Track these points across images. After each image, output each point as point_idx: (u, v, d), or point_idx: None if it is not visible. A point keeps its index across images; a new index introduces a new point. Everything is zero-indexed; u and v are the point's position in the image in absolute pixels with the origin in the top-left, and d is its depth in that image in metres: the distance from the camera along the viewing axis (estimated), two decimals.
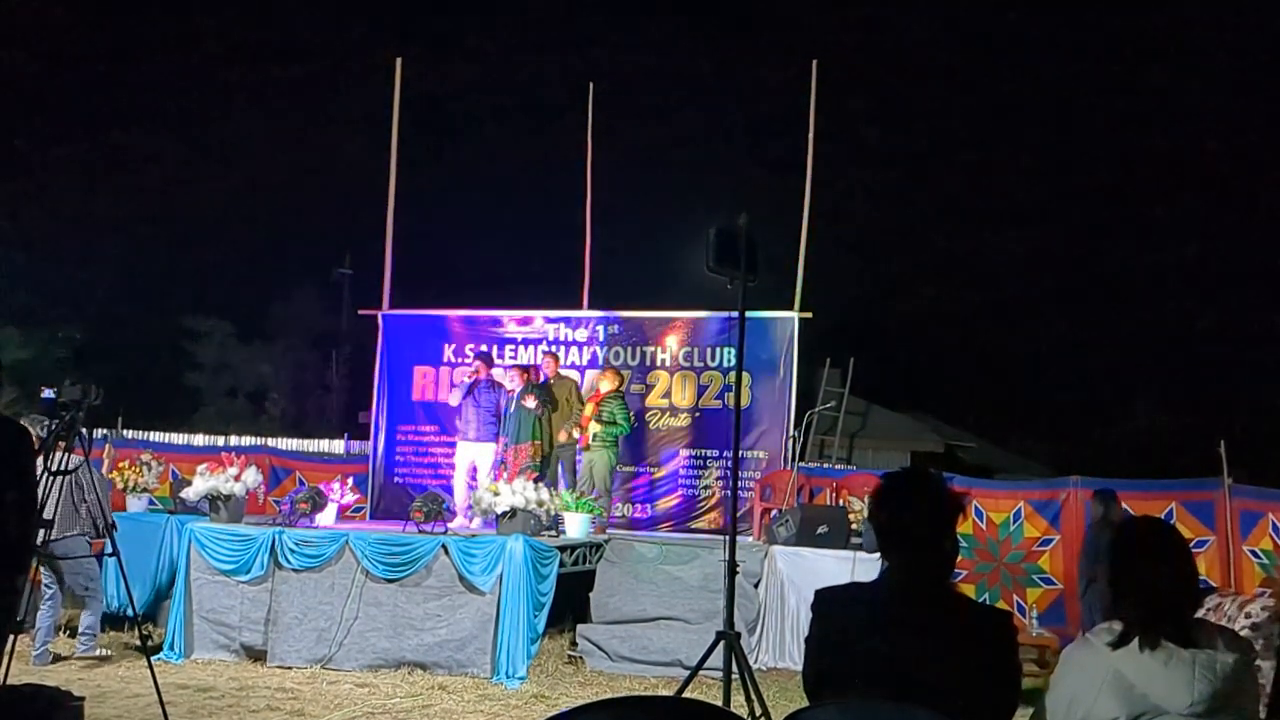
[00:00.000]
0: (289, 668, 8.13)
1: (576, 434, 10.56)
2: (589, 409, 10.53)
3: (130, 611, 7.82)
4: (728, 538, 5.98)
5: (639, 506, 11.23)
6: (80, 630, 8.16)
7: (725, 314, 10.97)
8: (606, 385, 10.57)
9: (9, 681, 5.30)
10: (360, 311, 13.28)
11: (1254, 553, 9.22)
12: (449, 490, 10.60)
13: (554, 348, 11.68)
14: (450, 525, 9.03)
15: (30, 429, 4.81)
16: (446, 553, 8.21)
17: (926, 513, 2.57)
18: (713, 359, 11.33)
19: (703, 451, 11.16)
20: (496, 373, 11.05)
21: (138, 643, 7.48)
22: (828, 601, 2.69)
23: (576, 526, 9.30)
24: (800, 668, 2.78)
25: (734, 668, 5.52)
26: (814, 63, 11.48)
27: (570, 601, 9.00)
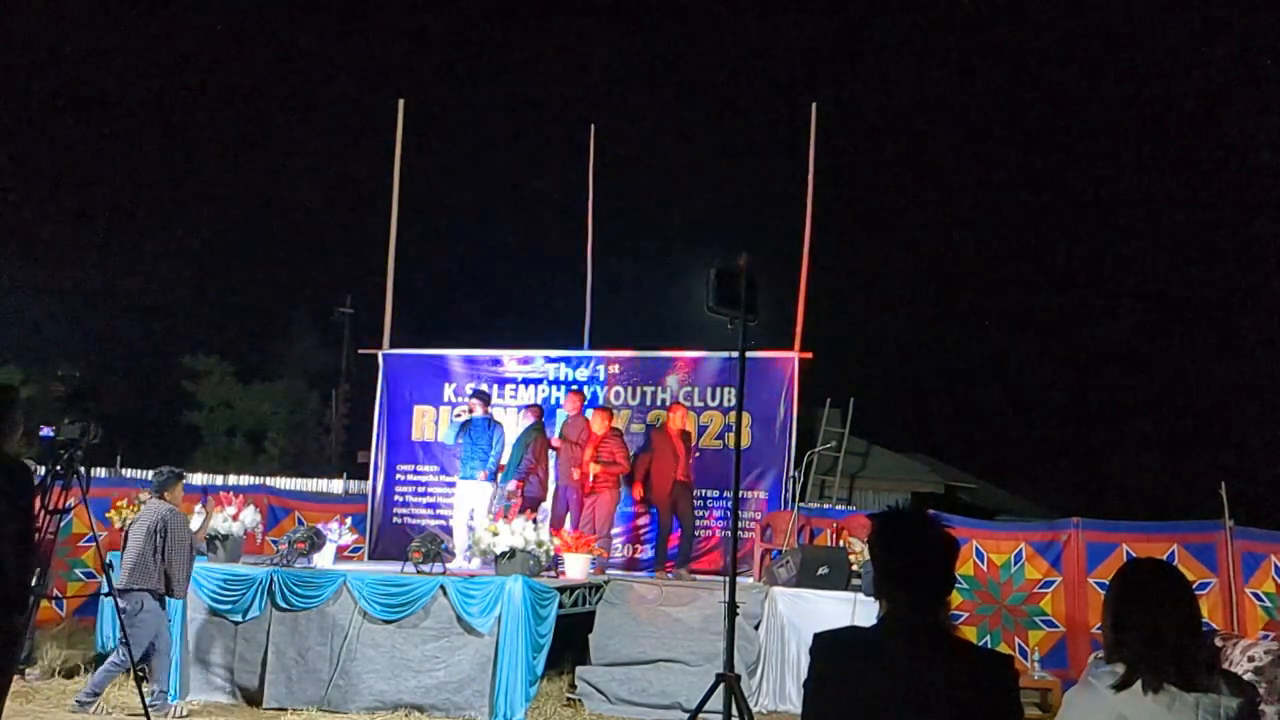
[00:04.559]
0: (284, 709, 8.06)
1: (575, 475, 10.50)
2: (588, 452, 10.46)
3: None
4: (728, 579, 5.94)
5: (639, 547, 11.16)
6: (89, 686, 7.72)
7: (726, 354, 10.97)
8: (599, 426, 10.52)
9: None
10: (360, 351, 13.29)
11: (1256, 595, 9.16)
12: (448, 530, 10.55)
13: (556, 387, 11.68)
14: (449, 566, 8.99)
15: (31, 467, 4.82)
16: (445, 594, 8.16)
17: (926, 555, 2.56)
18: (713, 399, 11.30)
19: (702, 491, 11.09)
20: (498, 411, 11.05)
21: (133, 685, 7.39)
22: (826, 645, 2.66)
23: (576, 567, 9.25)
24: (800, 711, 2.76)
25: (734, 710, 5.48)
26: (813, 105, 11.58)
27: (569, 643, 8.93)
